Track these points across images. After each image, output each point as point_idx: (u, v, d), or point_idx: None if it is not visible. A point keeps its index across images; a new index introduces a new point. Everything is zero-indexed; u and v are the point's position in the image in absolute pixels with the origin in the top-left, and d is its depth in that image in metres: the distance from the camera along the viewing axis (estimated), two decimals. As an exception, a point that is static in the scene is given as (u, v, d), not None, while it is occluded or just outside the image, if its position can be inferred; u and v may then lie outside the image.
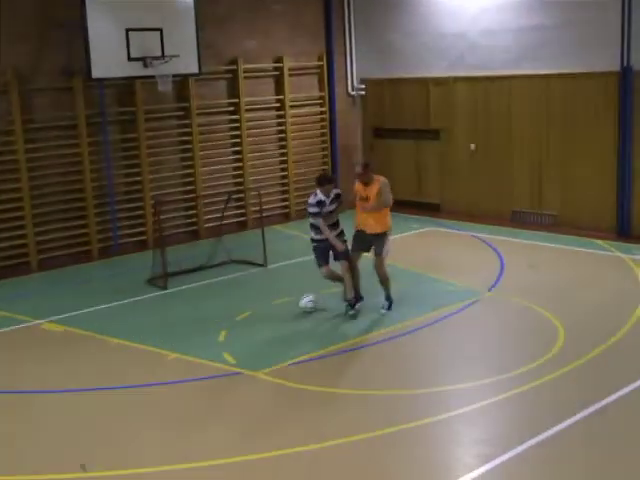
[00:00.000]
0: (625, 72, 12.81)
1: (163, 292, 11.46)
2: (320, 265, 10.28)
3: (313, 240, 10.27)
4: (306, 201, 10.52)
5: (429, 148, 15.87)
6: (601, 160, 13.40)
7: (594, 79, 13.25)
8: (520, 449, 6.51)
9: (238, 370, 8.45)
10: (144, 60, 12.71)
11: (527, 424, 6.99)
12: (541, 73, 13.92)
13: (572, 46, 13.49)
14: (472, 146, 15.17)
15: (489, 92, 14.79)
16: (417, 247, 13.54)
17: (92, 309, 10.86)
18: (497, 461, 6.37)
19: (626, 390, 7.50)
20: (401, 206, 16.15)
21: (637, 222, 13.14)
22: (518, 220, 14.66)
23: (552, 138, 14.01)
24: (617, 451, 6.49)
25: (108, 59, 12.40)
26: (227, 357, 8.80)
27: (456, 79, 15.23)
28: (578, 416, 6.98)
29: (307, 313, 10.18)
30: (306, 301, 10.31)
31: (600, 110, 13.29)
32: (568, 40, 13.51)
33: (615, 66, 12.90)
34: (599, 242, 13.04)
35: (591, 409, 7.12)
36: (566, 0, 13.45)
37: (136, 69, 12.75)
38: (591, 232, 13.41)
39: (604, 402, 7.26)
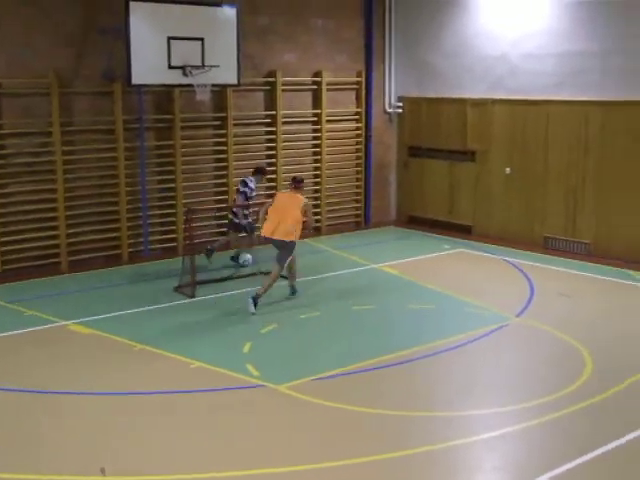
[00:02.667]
0: (666, 102, 12.70)
1: (190, 300, 11.50)
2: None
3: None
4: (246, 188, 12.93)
5: (464, 169, 15.80)
6: (638, 190, 13.25)
7: (634, 108, 13.12)
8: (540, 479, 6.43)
9: (260, 382, 8.44)
10: (184, 69, 12.81)
11: (547, 455, 6.89)
12: (581, 99, 13.82)
13: (613, 74, 13.37)
14: (507, 170, 15.07)
15: (527, 116, 14.70)
16: (447, 268, 13.46)
17: (119, 313, 10.92)
18: (516, 491, 6.30)
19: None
20: (433, 226, 16.21)
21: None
22: (550, 246, 14.53)
23: (589, 166, 13.87)
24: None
25: (148, 66, 12.51)
26: (250, 369, 8.80)
27: (494, 101, 15.17)
28: (597, 452, 6.85)
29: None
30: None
31: (639, 140, 13.16)
32: (609, 67, 13.40)
33: (656, 96, 12.79)
34: (632, 273, 12.88)
35: (610, 446, 6.97)
36: (609, 27, 13.37)
37: (175, 77, 12.84)
38: (624, 263, 13.25)
39: (624, 439, 7.09)
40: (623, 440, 7.08)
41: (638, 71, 13.04)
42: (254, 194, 13.08)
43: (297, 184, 11.62)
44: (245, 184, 13.03)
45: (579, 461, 6.71)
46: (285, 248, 11.27)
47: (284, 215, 11.17)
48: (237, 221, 13.17)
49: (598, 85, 13.58)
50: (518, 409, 7.82)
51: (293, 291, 11.72)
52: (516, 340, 10.00)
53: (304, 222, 11.44)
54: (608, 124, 13.53)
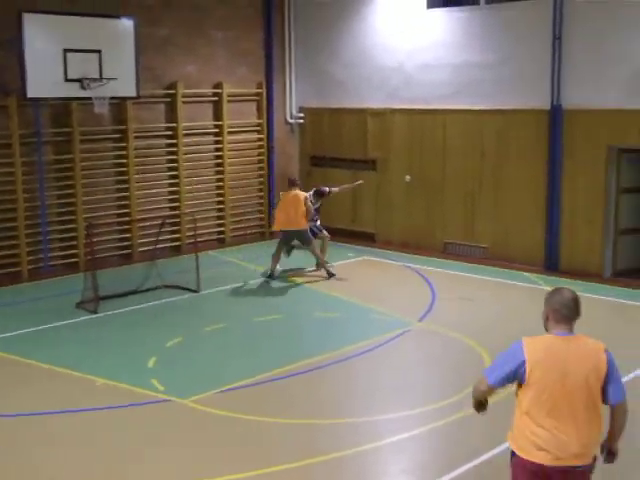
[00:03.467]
0: (554, 110, 13.20)
1: (93, 316, 11.32)
2: None
3: None
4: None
5: (365, 178, 15.97)
6: (531, 195, 13.74)
7: (526, 116, 13.61)
8: (443, 480, 6.63)
9: (166, 397, 8.39)
10: (81, 81, 12.62)
11: (454, 454, 7.11)
12: (475, 108, 14.24)
13: (506, 84, 13.85)
14: (407, 177, 15.39)
15: (425, 125, 15.06)
16: (351, 276, 13.63)
17: (19, 332, 10.66)
18: (421, 492, 6.45)
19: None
20: (336, 235, 16.31)
21: (564, 256, 13.48)
22: (451, 252, 14.91)
23: (485, 172, 14.32)
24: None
25: (45, 79, 12.29)
26: (156, 384, 8.73)
27: (393, 111, 15.48)
28: (502, 447, 7.07)
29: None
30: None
31: (531, 147, 13.65)
32: (502, 78, 13.87)
33: (546, 104, 13.28)
34: (528, 275, 13.33)
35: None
36: (501, 40, 13.85)
37: (73, 90, 12.64)
38: (521, 265, 13.71)
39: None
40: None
41: (529, 80, 13.54)
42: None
43: (292, 183, 13.56)
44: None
45: (485, 457, 6.93)
46: (301, 236, 13.33)
47: (289, 210, 13.21)
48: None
49: (492, 95, 14.04)
50: (424, 411, 8.01)
51: (327, 272, 13.39)
52: (419, 344, 10.23)
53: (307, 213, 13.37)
54: (502, 131, 13.99)
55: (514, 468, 4.78)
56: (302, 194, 13.42)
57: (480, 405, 4.98)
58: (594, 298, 11.56)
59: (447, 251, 14.97)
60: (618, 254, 13.23)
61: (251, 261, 14.62)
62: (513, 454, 4.76)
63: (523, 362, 4.62)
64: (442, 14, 14.68)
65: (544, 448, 4.56)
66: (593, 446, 4.66)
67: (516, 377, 4.67)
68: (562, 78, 13.10)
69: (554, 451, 4.55)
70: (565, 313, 4.68)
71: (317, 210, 14.12)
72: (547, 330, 4.79)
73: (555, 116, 13.20)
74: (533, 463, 4.60)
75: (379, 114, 15.71)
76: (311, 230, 13.75)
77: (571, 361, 4.57)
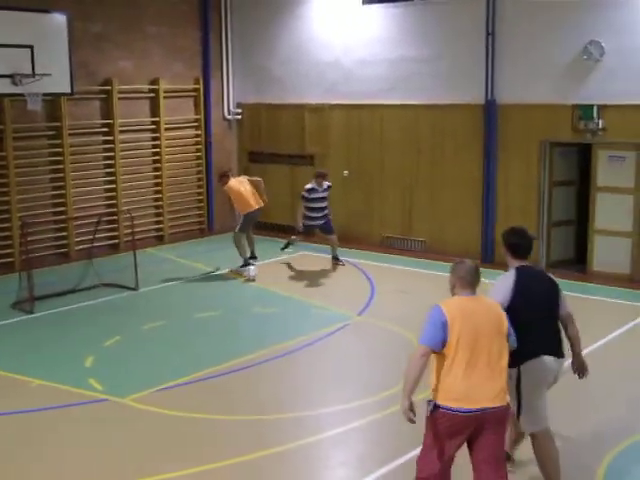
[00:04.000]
0: (489, 105, 13.41)
1: (29, 316, 11.14)
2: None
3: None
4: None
5: (304, 173, 16.04)
6: (467, 188, 13.95)
7: (461, 111, 13.81)
8: (382, 471, 6.70)
9: (104, 397, 8.31)
10: (13, 77, 12.37)
11: (392, 446, 7.18)
12: (412, 103, 14.39)
13: (442, 79, 14.03)
14: (345, 172, 15.46)
15: (362, 120, 15.16)
16: (289, 271, 13.67)
17: (-48, 334, 10.47)
18: (361, 483, 6.51)
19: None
20: (275, 230, 16.40)
21: (500, 249, 13.66)
22: (389, 245, 15.05)
23: (422, 166, 14.49)
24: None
25: (-27, 74, 12.03)
26: (93, 383, 8.64)
27: (331, 106, 15.54)
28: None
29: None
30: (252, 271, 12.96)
31: (466, 141, 13.85)
32: (438, 73, 14.04)
33: (480, 99, 13.49)
34: (465, 267, 13.49)
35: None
36: (437, 36, 14.01)
37: (4, 86, 12.36)
38: (458, 258, 13.82)
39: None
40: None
41: (464, 75, 13.73)
42: (311, 196, 13.58)
43: (226, 175, 13.54)
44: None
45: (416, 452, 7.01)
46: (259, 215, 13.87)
47: (250, 191, 13.50)
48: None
49: (429, 89, 14.19)
50: (363, 404, 8.09)
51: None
52: (358, 338, 10.31)
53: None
54: (438, 126, 14.17)
55: (436, 422, 5.38)
56: (244, 176, 14.03)
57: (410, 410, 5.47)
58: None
59: (386, 245, 15.10)
60: (552, 245, 13.53)
61: (190, 258, 14.54)
62: (435, 408, 5.37)
63: (445, 321, 5.36)
64: (378, 10, 14.79)
65: (468, 395, 5.22)
66: (505, 387, 5.42)
67: (444, 336, 5.33)
68: (496, 73, 13.33)
69: (477, 396, 5.22)
70: (469, 279, 5.60)
71: (323, 198, 13.70)
72: (454, 295, 5.63)
73: (490, 111, 13.42)
74: (459, 411, 5.24)
75: (317, 109, 15.76)
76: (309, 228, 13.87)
77: (480, 315, 5.42)
